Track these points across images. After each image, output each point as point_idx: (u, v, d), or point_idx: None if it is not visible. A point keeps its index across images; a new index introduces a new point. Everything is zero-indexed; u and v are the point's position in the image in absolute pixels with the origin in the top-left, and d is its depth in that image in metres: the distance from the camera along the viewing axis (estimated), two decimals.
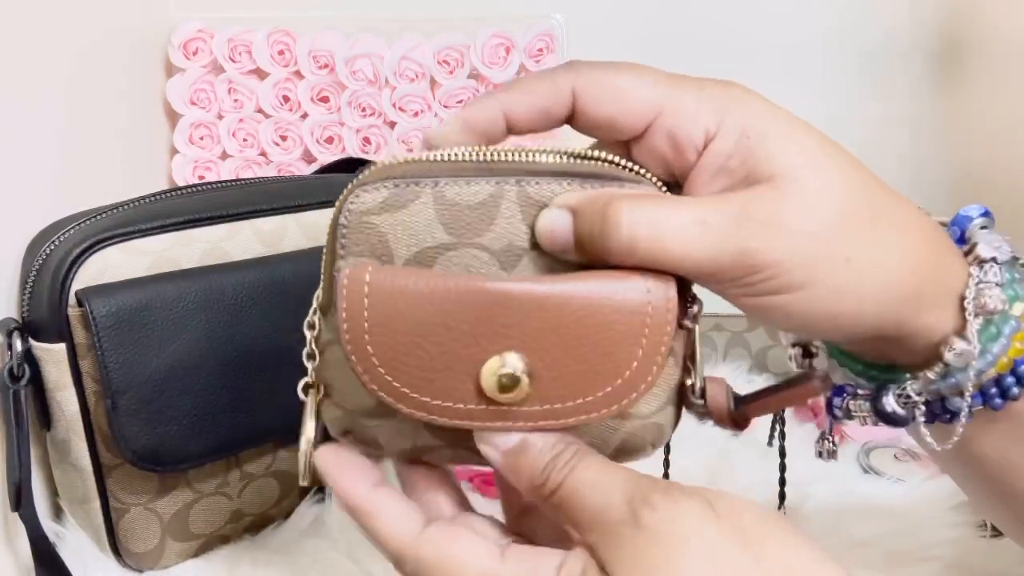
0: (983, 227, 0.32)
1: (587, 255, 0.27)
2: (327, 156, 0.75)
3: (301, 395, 0.31)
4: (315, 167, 0.75)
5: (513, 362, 0.27)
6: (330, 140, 0.76)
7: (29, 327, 0.47)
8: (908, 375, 0.32)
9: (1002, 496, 0.35)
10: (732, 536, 0.25)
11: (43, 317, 0.46)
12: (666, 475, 0.42)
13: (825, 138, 0.28)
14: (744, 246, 0.27)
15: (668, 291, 0.27)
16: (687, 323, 0.30)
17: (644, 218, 0.26)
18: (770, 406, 0.30)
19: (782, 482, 0.52)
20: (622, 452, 0.30)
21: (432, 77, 0.76)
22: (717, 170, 0.28)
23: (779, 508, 0.53)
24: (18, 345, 0.45)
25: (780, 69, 0.80)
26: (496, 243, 0.28)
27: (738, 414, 0.30)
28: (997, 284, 0.30)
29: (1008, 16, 0.74)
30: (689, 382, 0.30)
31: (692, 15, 0.80)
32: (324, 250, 0.31)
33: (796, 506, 0.53)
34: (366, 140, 0.76)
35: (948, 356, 0.30)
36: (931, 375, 0.31)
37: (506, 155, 0.29)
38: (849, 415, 0.34)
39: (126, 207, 0.50)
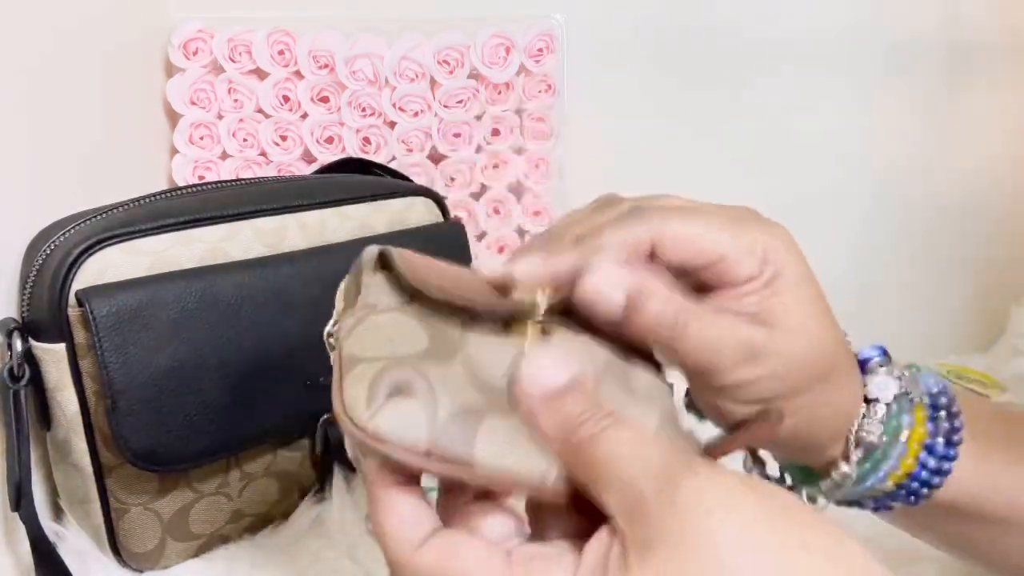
0: (881, 365, 0.38)
1: (632, 327, 0.32)
2: (327, 156, 0.75)
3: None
4: (315, 167, 0.75)
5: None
6: (330, 140, 0.76)
7: (29, 327, 0.47)
8: (814, 481, 0.38)
9: (962, 554, 0.42)
10: (772, 508, 0.25)
11: (43, 317, 0.46)
12: None
13: (821, 295, 0.35)
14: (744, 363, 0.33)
15: None
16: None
17: (701, 329, 0.32)
18: (735, 448, 0.35)
19: (781, 482, 0.52)
20: None
21: (432, 77, 0.76)
22: (740, 298, 0.34)
23: None
24: (18, 345, 0.45)
25: (786, 69, 0.80)
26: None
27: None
28: (880, 422, 0.36)
29: None
30: None
31: (695, 15, 0.80)
32: (342, 286, 0.33)
33: None
34: (366, 140, 0.76)
35: (835, 476, 0.37)
36: (824, 487, 0.38)
37: None
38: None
39: (126, 207, 0.50)
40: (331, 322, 0.33)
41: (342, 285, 0.34)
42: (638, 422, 0.30)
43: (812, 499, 0.39)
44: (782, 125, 0.81)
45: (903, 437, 0.37)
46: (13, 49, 0.52)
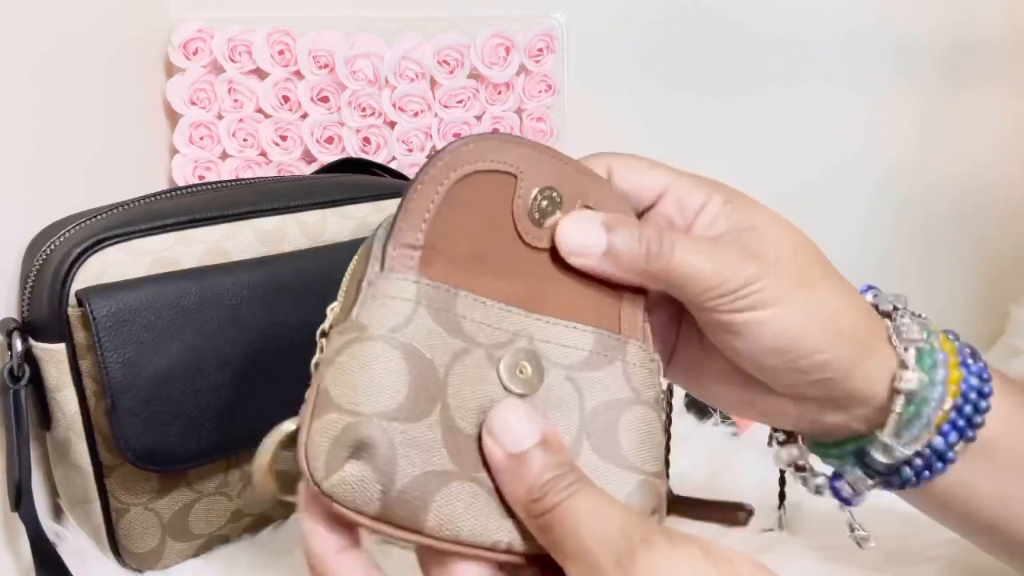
0: (875, 295, 0.38)
1: (616, 266, 0.33)
2: (327, 156, 0.75)
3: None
4: (315, 167, 0.75)
5: None
6: (330, 140, 0.76)
7: (29, 327, 0.47)
8: (879, 431, 0.36)
9: (995, 532, 0.38)
10: None
11: (43, 317, 0.46)
12: (666, 475, 0.42)
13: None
14: (744, 260, 0.34)
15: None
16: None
17: (685, 247, 0.34)
18: (696, 516, 0.37)
19: (782, 482, 0.52)
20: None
21: (432, 77, 0.76)
22: (710, 224, 0.36)
23: (779, 508, 0.53)
24: (18, 345, 0.45)
25: (789, 68, 0.80)
26: None
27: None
28: (912, 323, 0.36)
29: None
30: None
31: (696, 14, 0.79)
32: (350, 267, 0.33)
33: (796, 506, 0.53)
34: (366, 140, 0.76)
35: (901, 386, 0.35)
36: (898, 409, 0.35)
37: None
38: (855, 490, 0.38)
39: (126, 207, 0.50)
40: (327, 320, 0.32)
41: (351, 265, 0.34)
42: (604, 488, 0.29)
43: (885, 462, 0.37)
44: (784, 126, 0.81)
45: (937, 343, 0.36)
46: (13, 49, 0.52)
